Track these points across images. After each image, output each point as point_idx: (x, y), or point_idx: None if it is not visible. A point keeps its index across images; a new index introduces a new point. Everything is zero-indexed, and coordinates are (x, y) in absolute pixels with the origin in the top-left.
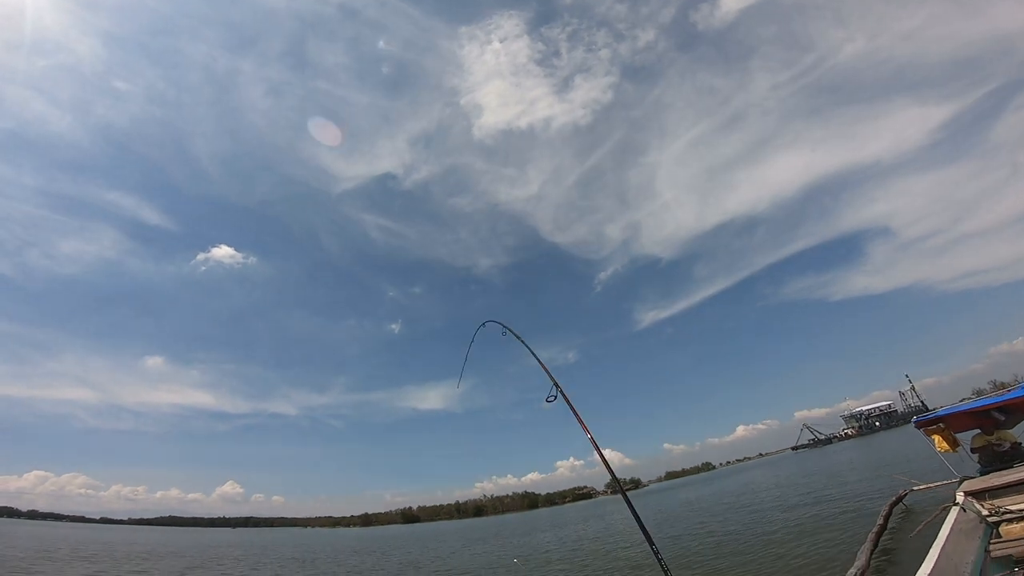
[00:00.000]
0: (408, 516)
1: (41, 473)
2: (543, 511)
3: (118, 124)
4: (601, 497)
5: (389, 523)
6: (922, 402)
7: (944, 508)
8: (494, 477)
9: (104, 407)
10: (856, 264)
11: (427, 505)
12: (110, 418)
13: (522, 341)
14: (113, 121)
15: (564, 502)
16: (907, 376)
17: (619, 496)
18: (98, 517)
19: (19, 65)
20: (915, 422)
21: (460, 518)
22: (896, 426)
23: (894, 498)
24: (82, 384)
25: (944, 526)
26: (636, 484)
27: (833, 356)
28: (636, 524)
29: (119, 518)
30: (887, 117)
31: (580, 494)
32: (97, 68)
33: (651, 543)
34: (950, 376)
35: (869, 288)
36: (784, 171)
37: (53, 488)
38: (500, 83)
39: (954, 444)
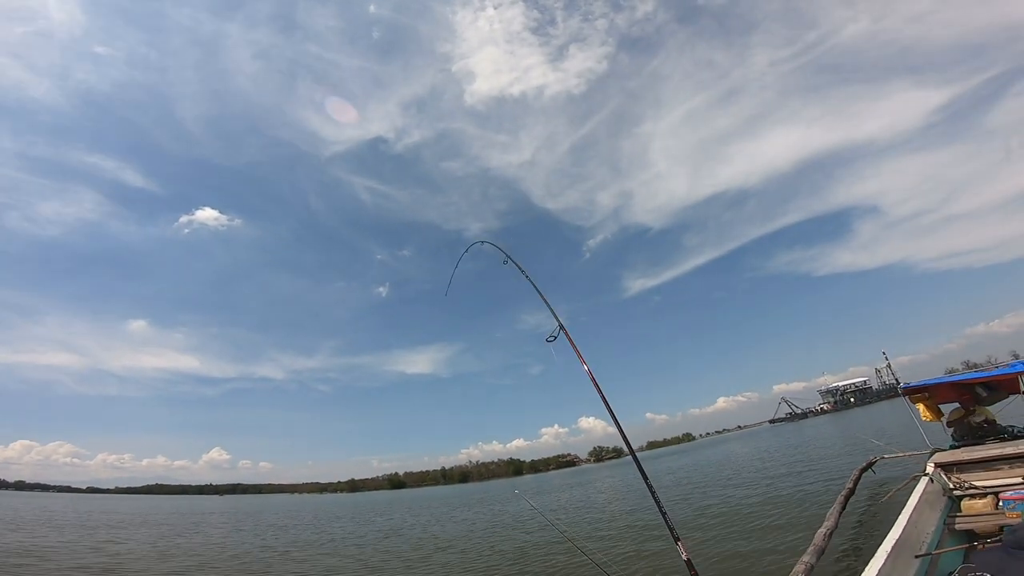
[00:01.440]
0: (395, 482)
1: (26, 443)
2: (527, 477)
3: (99, 88)
4: (584, 465)
5: (376, 489)
6: (896, 380)
7: (915, 477)
8: (480, 443)
9: (88, 372)
10: (843, 240)
11: (414, 471)
12: (95, 383)
13: (522, 271)
14: (94, 85)
15: (548, 469)
16: (884, 353)
17: (600, 464)
18: (85, 487)
19: None
20: (902, 389)
21: (446, 484)
22: (870, 402)
23: (864, 464)
24: (66, 348)
25: (913, 495)
26: (618, 453)
27: (815, 330)
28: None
29: (106, 487)
30: (885, 98)
31: (563, 462)
32: (75, 34)
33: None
34: (926, 354)
35: (854, 264)
36: (778, 146)
37: (39, 458)
38: (493, 50)
39: (938, 414)
